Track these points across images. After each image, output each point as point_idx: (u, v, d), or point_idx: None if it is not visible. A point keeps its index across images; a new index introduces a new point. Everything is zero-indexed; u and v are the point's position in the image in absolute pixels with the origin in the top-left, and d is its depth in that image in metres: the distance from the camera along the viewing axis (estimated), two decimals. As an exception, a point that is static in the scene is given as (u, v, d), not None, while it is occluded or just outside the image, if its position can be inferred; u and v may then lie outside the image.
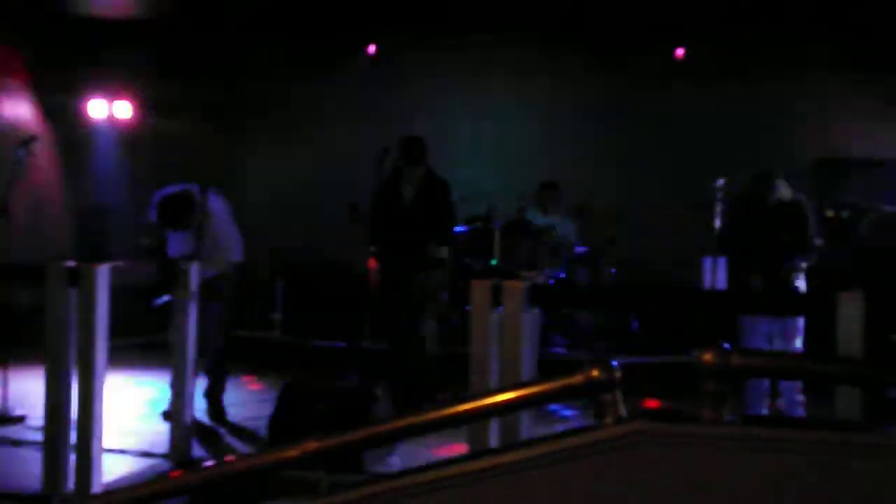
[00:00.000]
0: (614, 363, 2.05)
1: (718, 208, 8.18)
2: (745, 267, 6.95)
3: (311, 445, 2.06)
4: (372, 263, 7.46)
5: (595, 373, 2.00)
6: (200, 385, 6.63)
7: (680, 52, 10.91)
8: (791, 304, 5.08)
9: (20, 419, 6.61)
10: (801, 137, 10.60)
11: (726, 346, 2.06)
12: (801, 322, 6.69)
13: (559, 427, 6.29)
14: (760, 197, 6.94)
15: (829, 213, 9.57)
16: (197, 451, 5.83)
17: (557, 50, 11.17)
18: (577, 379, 2.01)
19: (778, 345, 6.67)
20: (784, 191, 6.91)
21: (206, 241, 6.70)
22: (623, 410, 2.02)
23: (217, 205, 6.95)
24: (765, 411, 6.50)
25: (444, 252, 7.39)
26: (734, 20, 10.31)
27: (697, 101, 10.85)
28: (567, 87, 11.25)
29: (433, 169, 7.36)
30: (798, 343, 6.71)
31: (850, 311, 4.07)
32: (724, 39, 10.72)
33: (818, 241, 6.87)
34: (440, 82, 11.42)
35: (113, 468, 5.43)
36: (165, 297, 6.08)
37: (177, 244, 6.91)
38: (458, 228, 8.79)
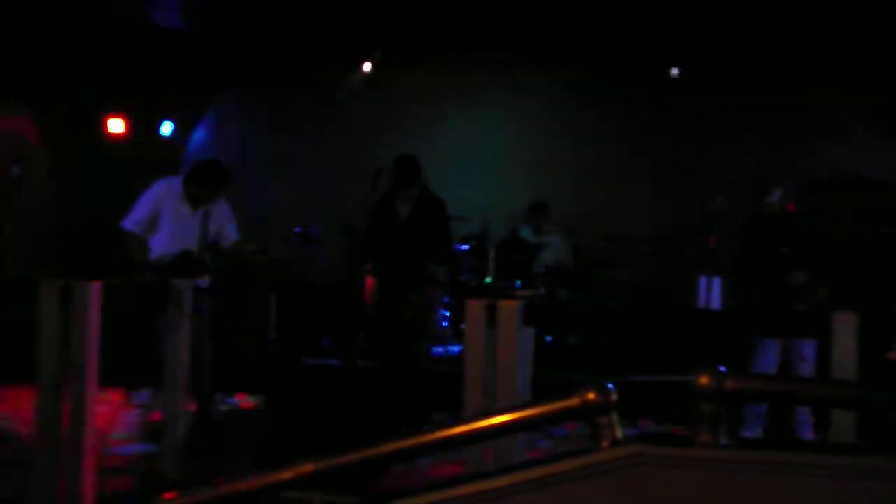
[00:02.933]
0: (610, 385, 2.04)
1: (714, 228, 8.21)
2: (749, 283, 6.92)
3: (307, 468, 2.04)
4: (369, 281, 7.45)
5: (591, 395, 1.99)
6: (192, 403, 6.59)
7: (675, 71, 10.95)
8: (787, 323, 5.07)
9: (10, 436, 6.57)
10: (796, 157, 10.64)
11: (722, 368, 2.05)
12: (812, 342, 6.56)
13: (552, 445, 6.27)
14: (759, 210, 6.96)
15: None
16: (188, 470, 5.79)
17: (552, 69, 11.21)
18: (573, 402, 2.00)
19: (797, 366, 6.56)
20: (781, 199, 6.90)
21: (210, 231, 6.67)
22: (619, 433, 2.01)
23: (221, 202, 6.93)
24: (748, 433, 6.47)
25: (441, 271, 7.38)
26: (729, 41, 10.36)
27: (692, 121, 10.91)
28: (562, 106, 11.30)
29: (429, 187, 7.37)
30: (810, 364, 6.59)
31: (845, 331, 4.07)
32: (719, 60, 10.77)
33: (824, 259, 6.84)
34: (435, 101, 11.45)
35: (102, 488, 5.39)
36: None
37: (166, 240, 6.77)
38: (454, 246, 8.78)
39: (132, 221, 6.75)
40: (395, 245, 7.23)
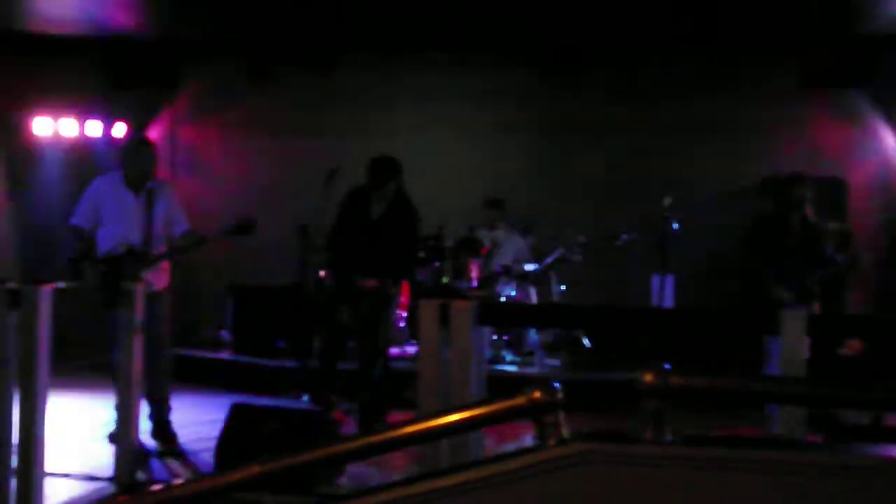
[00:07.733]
0: (556, 384, 2.07)
1: (667, 226, 8.29)
2: (773, 282, 7.03)
3: (254, 470, 2.05)
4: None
5: (537, 394, 2.02)
6: (146, 407, 6.55)
7: (629, 72, 11.04)
8: (734, 322, 5.14)
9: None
10: (748, 155, 10.79)
11: (667, 366, 2.09)
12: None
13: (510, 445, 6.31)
14: (784, 211, 7.16)
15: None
16: (143, 474, 5.76)
17: (507, 69, 11.25)
18: (520, 401, 2.02)
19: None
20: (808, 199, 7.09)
21: (156, 217, 6.62)
22: (566, 431, 2.03)
23: (167, 192, 6.86)
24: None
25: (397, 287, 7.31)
26: (681, 39, 10.46)
27: (646, 119, 11.00)
28: (516, 105, 11.33)
29: (405, 191, 7.22)
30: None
31: (794, 328, 4.13)
32: (673, 58, 10.88)
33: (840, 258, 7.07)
34: (391, 100, 11.45)
35: (56, 493, 5.35)
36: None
37: (113, 231, 6.67)
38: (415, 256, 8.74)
39: (76, 216, 6.78)
40: (362, 242, 7.07)
